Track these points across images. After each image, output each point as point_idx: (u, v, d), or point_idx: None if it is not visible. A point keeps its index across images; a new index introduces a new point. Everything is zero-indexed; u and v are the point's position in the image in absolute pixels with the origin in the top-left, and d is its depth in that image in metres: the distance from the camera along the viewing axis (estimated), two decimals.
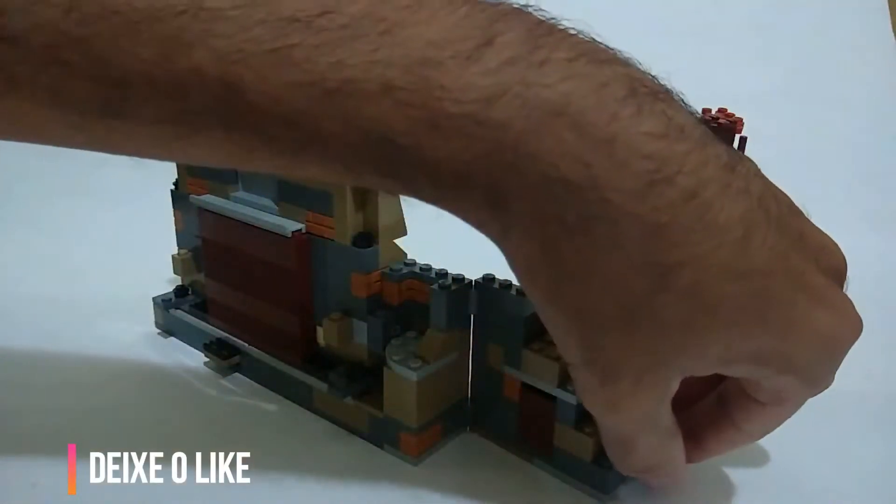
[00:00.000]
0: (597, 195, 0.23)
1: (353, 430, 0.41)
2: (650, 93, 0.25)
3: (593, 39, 0.26)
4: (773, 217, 0.26)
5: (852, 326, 0.29)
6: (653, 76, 0.27)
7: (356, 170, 0.26)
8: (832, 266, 0.28)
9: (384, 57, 0.24)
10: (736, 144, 0.45)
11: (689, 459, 0.34)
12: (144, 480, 0.36)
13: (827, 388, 0.31)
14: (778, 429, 0.42)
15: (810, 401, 0.45)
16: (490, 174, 0.24)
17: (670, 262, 0.24)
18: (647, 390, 0.27)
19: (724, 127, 0.44)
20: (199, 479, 0.36)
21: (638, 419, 0.29)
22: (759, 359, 0.27)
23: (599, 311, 0.25)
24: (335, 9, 0.24)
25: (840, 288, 0.29)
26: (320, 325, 0.40)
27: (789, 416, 0.32)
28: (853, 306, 0.29)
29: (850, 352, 0.30)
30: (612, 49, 0.26)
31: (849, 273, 0.30)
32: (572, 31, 0.26)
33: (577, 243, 0.24)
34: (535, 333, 0.37)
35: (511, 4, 0.26)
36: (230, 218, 0.42)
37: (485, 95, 0.24)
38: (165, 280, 0.55)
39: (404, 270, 0.39)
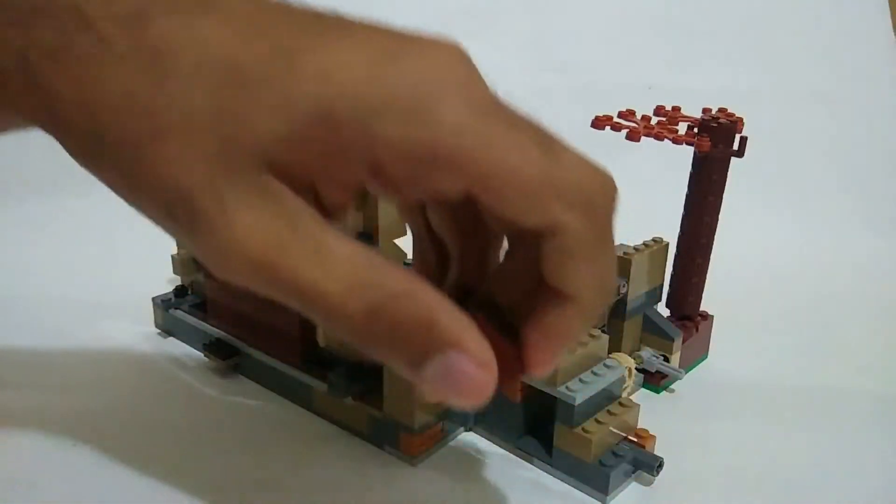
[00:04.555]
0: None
1: (353, 431, 0.41)
2: None
3: None
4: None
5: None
6: None
7: None
8: None
9: None
10: (736, 144, 0.45)
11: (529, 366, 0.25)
12: (144, 480, 0.36)
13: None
14: (777, 429, 0.42)
15: (810, 400, 0.46)
16: None
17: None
18: (240, 207, 0.20)
19: (724, 126, 0.44)
20: (199, 478, 0.36)
21: (273, 249, 0.21)
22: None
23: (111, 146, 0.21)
24: None
25: None
26: (320, 326, 0.40)
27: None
28: None
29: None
30: None
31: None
32: None
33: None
34: None
35: None
36: None
37: None
38: (165, 280, 0.55)
39: None
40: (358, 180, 0.22)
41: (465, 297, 0.25)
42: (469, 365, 0.21)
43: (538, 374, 0.24)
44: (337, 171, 0.21)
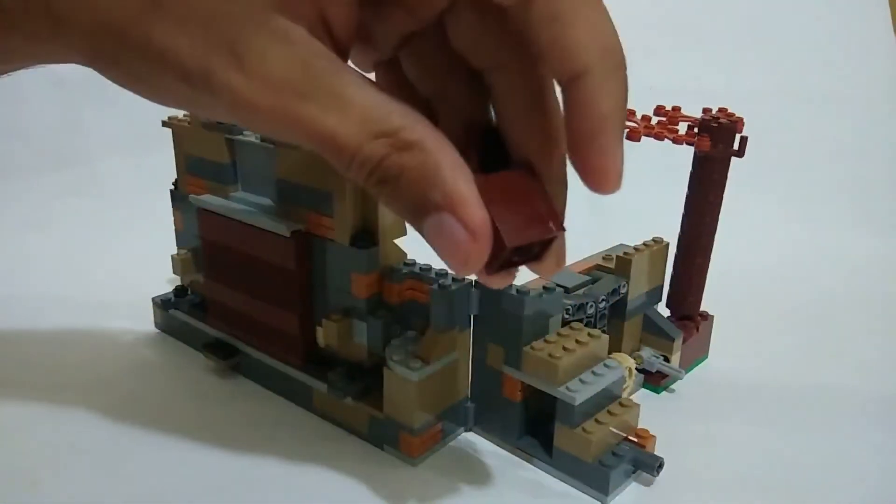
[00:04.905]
0: None
1: (352, 431, 0.41)
2: None
3: None
4: None
5: None
6: None
7: None
8: None
9: None
10: (736, 144, 0.45)
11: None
12: (143, 479, 0.36)
13: None
14: (777, 429, 0.42)
15: (810, 400, 0.46)
16: None
17: None
18: (254, 59, 0.21)
19: (724, 127, 0.44)
20: (199, 478, 0.36)
21: (287, 87, 0.21)
22: None
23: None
24: None
25: None
26: (320, 326, 0.40)
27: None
28: None
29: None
30: None
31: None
32: None
33: None
34: (535, 333, 0.37)
35: None
36: (230, 218, 0.42)
37: None
38: (165, 280, 0.55)
39: (404, 271, 0.39)
40: None
41: (491, 150, 0.24)
42: (460, 231, 0.21)
43: (605, 183, 0.22)
44: None
